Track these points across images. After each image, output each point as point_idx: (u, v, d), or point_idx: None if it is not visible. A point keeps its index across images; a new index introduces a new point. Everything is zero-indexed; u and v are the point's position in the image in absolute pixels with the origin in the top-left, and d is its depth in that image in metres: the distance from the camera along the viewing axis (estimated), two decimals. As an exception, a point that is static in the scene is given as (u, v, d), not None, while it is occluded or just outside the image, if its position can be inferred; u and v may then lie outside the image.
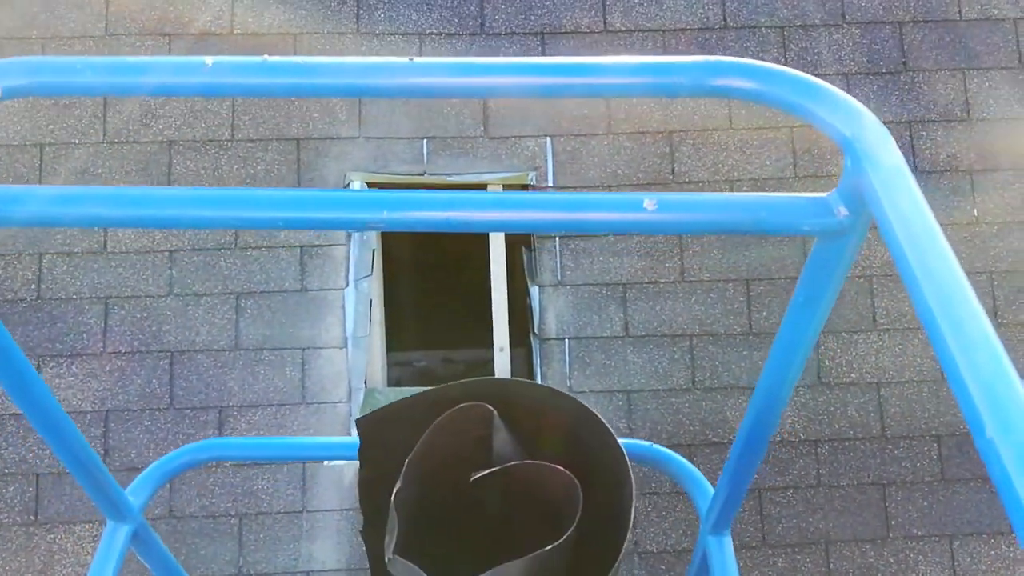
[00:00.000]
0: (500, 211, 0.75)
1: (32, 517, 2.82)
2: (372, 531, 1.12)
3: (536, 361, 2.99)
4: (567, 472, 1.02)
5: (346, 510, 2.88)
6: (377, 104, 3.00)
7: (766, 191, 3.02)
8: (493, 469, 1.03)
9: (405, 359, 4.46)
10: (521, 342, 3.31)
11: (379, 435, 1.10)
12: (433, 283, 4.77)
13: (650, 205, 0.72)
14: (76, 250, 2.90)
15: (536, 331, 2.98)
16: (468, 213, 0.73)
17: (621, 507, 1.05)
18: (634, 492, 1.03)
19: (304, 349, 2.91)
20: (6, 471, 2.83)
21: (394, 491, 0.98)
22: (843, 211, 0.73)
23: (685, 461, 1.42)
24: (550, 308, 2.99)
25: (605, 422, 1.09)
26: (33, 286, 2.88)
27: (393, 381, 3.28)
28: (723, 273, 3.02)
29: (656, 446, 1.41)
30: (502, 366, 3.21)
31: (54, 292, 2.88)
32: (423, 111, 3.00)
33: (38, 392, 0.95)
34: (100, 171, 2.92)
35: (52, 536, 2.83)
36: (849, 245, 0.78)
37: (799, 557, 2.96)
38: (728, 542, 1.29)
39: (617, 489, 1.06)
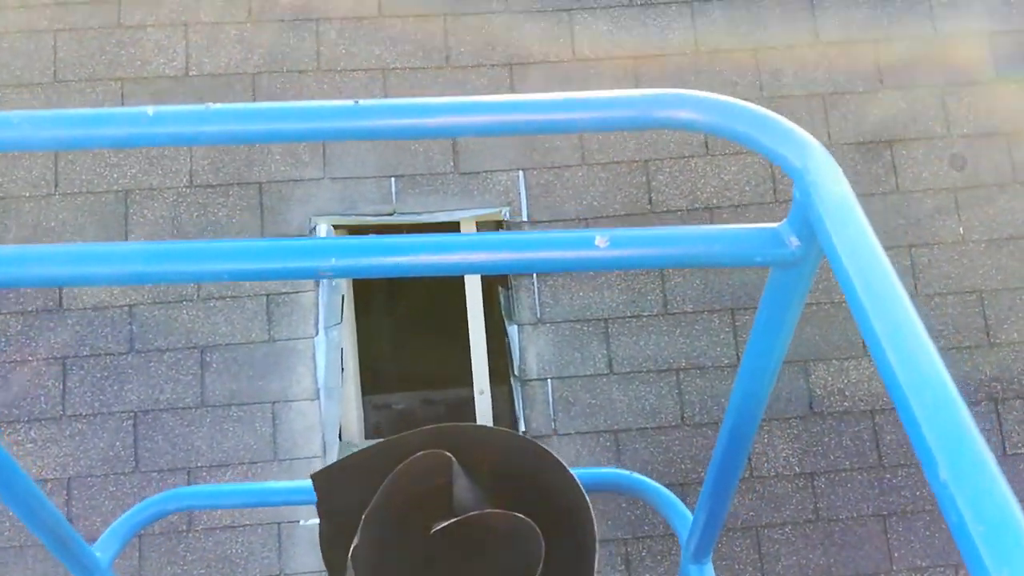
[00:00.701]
0: (448, 254, 0.74)
1: (-9, 595, 2.66)
2: None
3: (518, 404, 2.87)
4: (528, 521, 1.00)
5: (324, 571, 2.74)
6: (341, 143, 2.91)
7: (747, 217, 2.96)
8: (452, 520, 1.01)
9: (383, 402, 4.33)
10: (504, 381, 3.20)
11: (337, 488, 1.09)
12: (410, 322, 4.66)
13: (601, 242, 0.72)
14: (30, 309, 2.77)
15: (516, 372, 2.87)
16: (415, 258, 0.73)
17: (584, 553, 1.04)
18: (596, 538, 1.03)
19: (274, 403, 2.78)
20: (-39, 546, 2.67)
21: (351, 548, 0.95)
22: (795, 241, 0.73)
23: (662, 488, 1.41)
24: (530, 347, 2.88)
25: (564, 463, 1.07)
26: (-16, 349, 2.74)
27: (372, 425, 3.16)
28: (707, 304, 2.93)
29: (634, 474, 1.40)
30: (483, 409, 3.09)
31: (8, 354, 2.73)
32: (390, 148, 2.91)
33: None
34: (53, 224, 2.79)
35: (13, 614, 2.66)
36: (803, 275, 0.78)
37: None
38: (709, 570, 1.27)
39: (579, 535, 1.05)
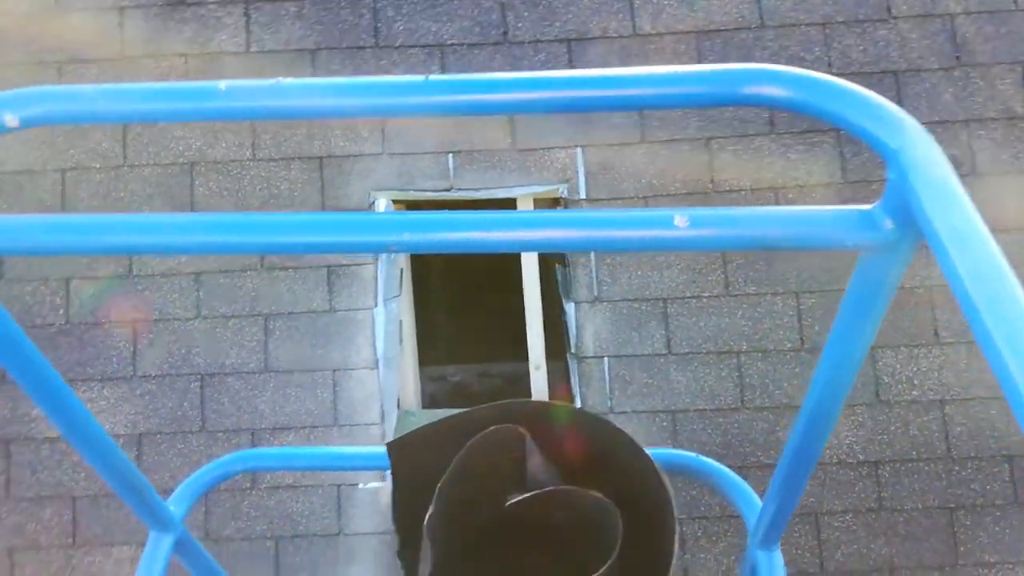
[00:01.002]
0: (524, 231, 0.72)
1: (70, 540, 2.83)
2: (408, 552, 1.08)
3: (574, 380, 2.87)
4: (605, 499, 0.98)
5: (383, 533, 2.82)
6: (400, 118, 2.92)
7: (813, 199, 2.86)
8: (528, 494, 0.99)
9: (439, 374, 4.37)
10: (560, 356, 3.20)
11: (410, 458, 1.08)
12: (466, 296, 4.68)
13: (681, 222, 0.68)
14: (101, 274, 2.90)
15: (573, 350, 2.86)
16: (490, 233, 0.70)
17: (663, 533, 1.00)
18: (676, 517, 0.99)
19: (335, 371, 2.85)
20: (43, 494, 2.84)
21: (426, 517, 0.95)
22: (889, 224, 0.69)
23: (731, 472, 1.40)
24: (587, 325, 2.87)
25: (639, 444, 1.05)
26: (61, 310, 2.89)
27: (428, 396, 3.21)
28: (771, 286, 2.85)
29: (702, 457, 1.38)
30: (539, 385, 3.10)
31: (82, 316, 2.88)
32: (448, 124, 2.91)
33: (73, 408, 0.97)
34: (122, 195, 2.91)
35: (91, 559, 2.83)
36: (897, 260, 0.74)
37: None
38: (778, 557, 1.24)
39: (657, 516, 1.02)
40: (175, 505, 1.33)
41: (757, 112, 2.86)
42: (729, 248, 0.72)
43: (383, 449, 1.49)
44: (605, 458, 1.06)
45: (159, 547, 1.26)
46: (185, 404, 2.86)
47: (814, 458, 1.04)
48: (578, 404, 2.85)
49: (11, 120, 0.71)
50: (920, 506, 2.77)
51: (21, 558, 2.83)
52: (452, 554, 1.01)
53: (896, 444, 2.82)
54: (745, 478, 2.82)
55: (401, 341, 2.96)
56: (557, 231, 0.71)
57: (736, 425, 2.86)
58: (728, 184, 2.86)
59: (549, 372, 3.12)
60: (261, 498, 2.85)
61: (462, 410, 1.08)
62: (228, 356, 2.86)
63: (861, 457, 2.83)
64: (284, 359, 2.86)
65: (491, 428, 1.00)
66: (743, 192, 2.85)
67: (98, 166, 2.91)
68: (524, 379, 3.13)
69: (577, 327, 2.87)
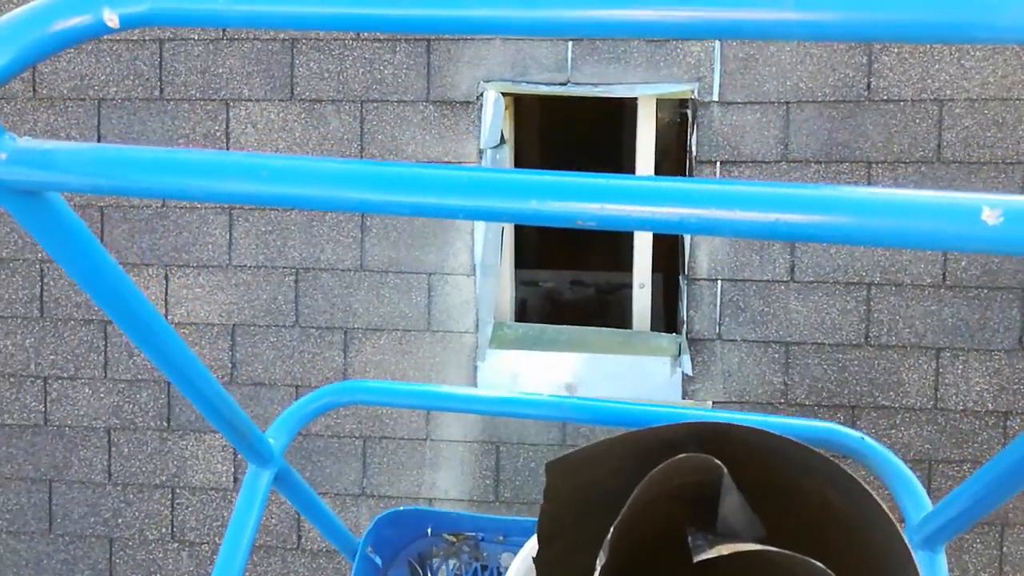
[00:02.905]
0: (758, 211, 0.51)
1: (165, 423, 2.84)
2: (544, 557, 0.92)
3: (682, 303, 2.66)
4: (829, 573, 0.74)
5: (469, 442, 2.74)
6: None
7: (984, 113, 2.50)
8: (725, 550, 0.78)
9: (530, 278, 4.17)
10: (658, 271, 2.99)
11: (571, 478, 0.88)
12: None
13: (991, 216, 0.48)
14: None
15: (685, 271, 2.64)
16: (698, 210, 0.51)
17: None
18: None
19: (431, 274, 2.71)
20: (139, 377, 2.84)
21: (599, 567, 0.76)
22: None
23: (901, 464, 1.21)
24: (703, 244, 2.63)
25: (873, 493, 0.80)
26: (158, 194, 2.79)
27: (517, 303, 3.05)
28: (918, 213, 2.55)
29: (867, 438, 1.20)
30: (641, 303, 2.90)
31: (179, 201, 2.78)
32: (571, 10, 2.61)
33: (175, 348, 0.84)
34: (220, 71, 2.74)
35: (184, 443, 2.84)
36: None
37: (968, 536, 2.63)
38: (942, 560, 1.07)
39: None
40: (275, 437, 1.22)
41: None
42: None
43: (501, 394, 1.36)
44: (824, 510, 0.84)
45: (258, 483, 1.16)
46: (279, 298, 2.77)
47: None
48: (684, 329, 2.65)
49: (110, 18, 0.56)
50: (1054, 464, 2.53)
51: (118, 437, 2.86)
52: None
53: (1034, 395, 2.57)
54: (857, 419, 2.63)
55: (502, 247, 2.78)
56: (807, 215, 0.49)
57: (856, 363, 2.63)
58: (886, 92, 2.51)
59: (652, 290, 2.92)
60: (350, 396, 2.79)
61: (637, 429, 0.85)
62: (324, 251, 2.74)
63: (990, 406, 2.59)
64: (380, 259, 2.73)
65: (679, 456, 0.79)
66: (902, 103, 2.51)
67: (196, 38, 2.73)
68: (620, 292, 2.94)
69: (692, 245, 2.63)
